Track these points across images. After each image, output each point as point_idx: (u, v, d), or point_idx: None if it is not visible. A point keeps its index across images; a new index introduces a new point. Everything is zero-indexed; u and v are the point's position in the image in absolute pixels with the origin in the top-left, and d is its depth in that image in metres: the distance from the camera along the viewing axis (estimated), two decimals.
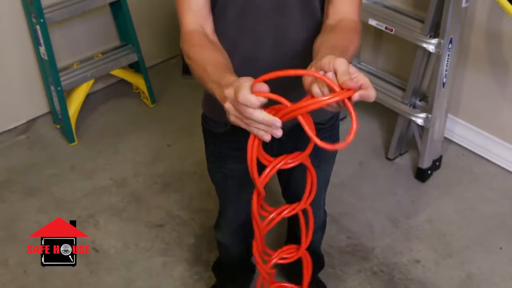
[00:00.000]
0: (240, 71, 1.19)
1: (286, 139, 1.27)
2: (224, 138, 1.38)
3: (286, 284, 1.21)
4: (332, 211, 2.19)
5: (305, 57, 1.07)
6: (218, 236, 1.73)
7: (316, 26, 1.19)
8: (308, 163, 0.98)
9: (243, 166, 1.43)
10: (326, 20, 1.15)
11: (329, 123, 1.39)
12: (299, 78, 0.89)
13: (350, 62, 0.96)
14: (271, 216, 1.03)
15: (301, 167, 1.02)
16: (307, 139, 0.94)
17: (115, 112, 2.81)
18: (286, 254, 1.15)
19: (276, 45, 1.20)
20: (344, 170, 2.41)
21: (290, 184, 1.54)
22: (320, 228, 1.76)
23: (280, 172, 1.50)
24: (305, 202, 1.04)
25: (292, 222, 1.76)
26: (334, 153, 1.46)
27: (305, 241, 1.12)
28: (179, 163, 2.50)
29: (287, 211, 1.04)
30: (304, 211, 1.11)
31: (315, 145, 1.02)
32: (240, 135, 1.34)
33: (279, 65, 1.18)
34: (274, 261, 1.13)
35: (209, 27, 1.18)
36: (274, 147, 1.21)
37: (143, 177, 2.43)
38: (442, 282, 1.99)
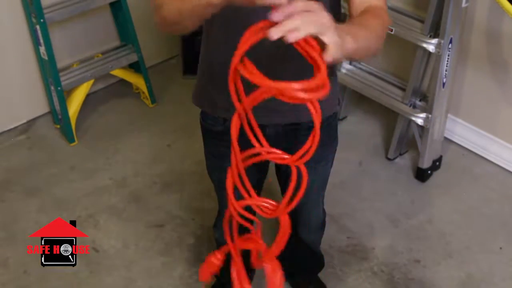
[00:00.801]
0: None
1: (280, 138, 1.28)
2: (222, 136, 1.37)
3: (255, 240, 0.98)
4: (332, 211, 2.19)
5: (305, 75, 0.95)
6: (217, 236, 1.73)
7: None
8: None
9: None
10: (352, 15, 1.12)
11: (326, 122, 1.38)
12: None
13: (368, 48, 0.98)
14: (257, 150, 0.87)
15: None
16: (300, 139, 0.93)
17: (115, 112, 2.81)
18: (266, 207, 0.91)
19: (270, 63, 1.05)
20: (344, 170, 2.41)
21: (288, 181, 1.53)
22: (320, 227, 1.75)
23: (278, 170, 1.50)
24: (299, 157, 0.85)
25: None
26: (333, 151, 1.46)
27: (286, 198, 0.88)
28: (179, 163, 2.50)
29: (276, 155, 0.88)
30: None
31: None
32: (238, 133, 1.35)
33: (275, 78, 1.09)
34: (248, 202, 0.91)
35: None
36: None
37: (143, 177, 2.43)
38: (442, 282, 1.99)
